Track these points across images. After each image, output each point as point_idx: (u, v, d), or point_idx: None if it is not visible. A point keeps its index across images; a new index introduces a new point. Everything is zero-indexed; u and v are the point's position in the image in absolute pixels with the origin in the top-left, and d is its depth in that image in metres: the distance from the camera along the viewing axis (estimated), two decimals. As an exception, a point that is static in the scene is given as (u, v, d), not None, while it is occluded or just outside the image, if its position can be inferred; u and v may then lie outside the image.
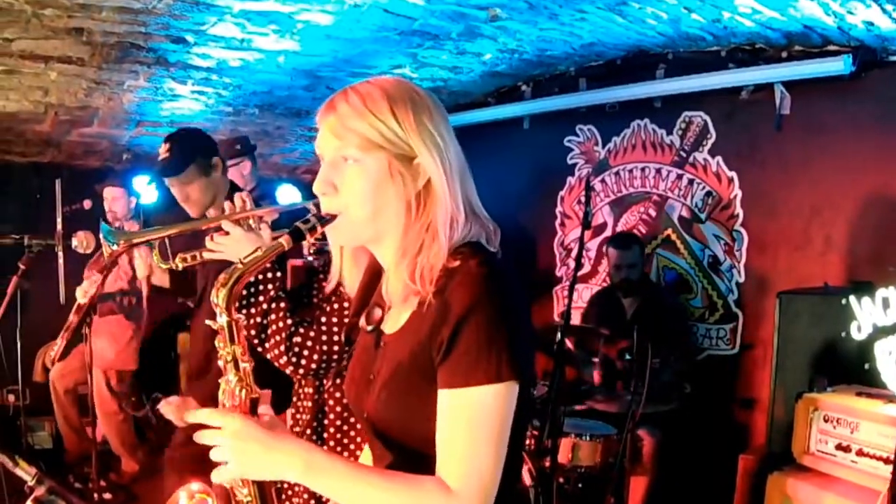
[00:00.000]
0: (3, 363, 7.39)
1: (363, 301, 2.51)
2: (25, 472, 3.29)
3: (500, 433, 2.02)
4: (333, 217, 2.21)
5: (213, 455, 2.04)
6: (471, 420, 2.00)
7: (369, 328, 2.41)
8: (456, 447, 2.01)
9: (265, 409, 2.18)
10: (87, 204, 8.00)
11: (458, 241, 2.15)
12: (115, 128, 8.48)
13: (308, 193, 2.48)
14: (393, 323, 2.30)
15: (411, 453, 2.16)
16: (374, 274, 2.48)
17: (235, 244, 3.59)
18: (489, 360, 1.98)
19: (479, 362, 1.99)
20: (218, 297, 2.14)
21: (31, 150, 8.81)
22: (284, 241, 2.21)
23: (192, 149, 4.89)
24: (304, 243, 2.60)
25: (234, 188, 4.99)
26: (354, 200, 2.18)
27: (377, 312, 2.41)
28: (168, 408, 4.77)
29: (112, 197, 8.27)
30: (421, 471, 2.05)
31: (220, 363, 2.18)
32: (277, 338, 3.44)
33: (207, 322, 2.21)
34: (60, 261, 7.20)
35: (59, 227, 6.80)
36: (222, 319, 2.16)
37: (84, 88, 7.27)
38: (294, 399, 3.88)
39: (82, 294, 6.48)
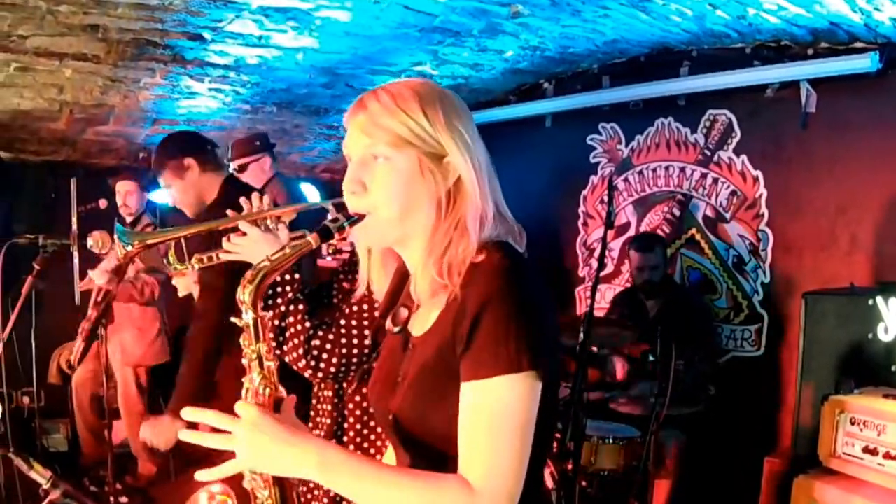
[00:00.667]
0: (17, 365, 7.40)
1: (391, 304, 2.50)
2: (40, 475, 3.33)
3: (522, 428, 2.01)
4: (362, 217, 2.21)
5: (225, 443, 2.05)
6: (492, 414, 1.99)
7: (396, 329, 2.40)
8: (477, 443, 2.00)
9: (286, 408, 2.16)
10: (103, 203, 8.00)
11: (485, 238, 2.16)
12: (131, 126, 8.51)
13: (326, 192, 2.50)
14: (421, 324, 2.30)
15: (436, 455, 2.15)
16: (402, 277, 2.47)
17: (253, 245, 3.58)
18: (507, 351, 1.97)
19: (498, 354, 1.98)
20: (244, 294, 2.16)
21: (46, 149, 8.82)
22: (312, 239, 2.21)
23: (163, 155, 5.07)
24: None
25: (248, 189, 5.02)
26: (384, 199, 2.18)
27: (403, 313, 2.40)
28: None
29: (126, 191, 8.25)
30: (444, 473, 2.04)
31: (245, 361, 2.19)
32: (296, 340, 3.42)
33: (232, 319, 2.22)
34: (76, 261, 7.20)
35: (74, 226, 6.80)
36: (248, 317, 2.18)
37: (99, 86, 7.30)
38: (314, 402, 3.87)
39: (100, 276, 6.55)
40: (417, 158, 2.17)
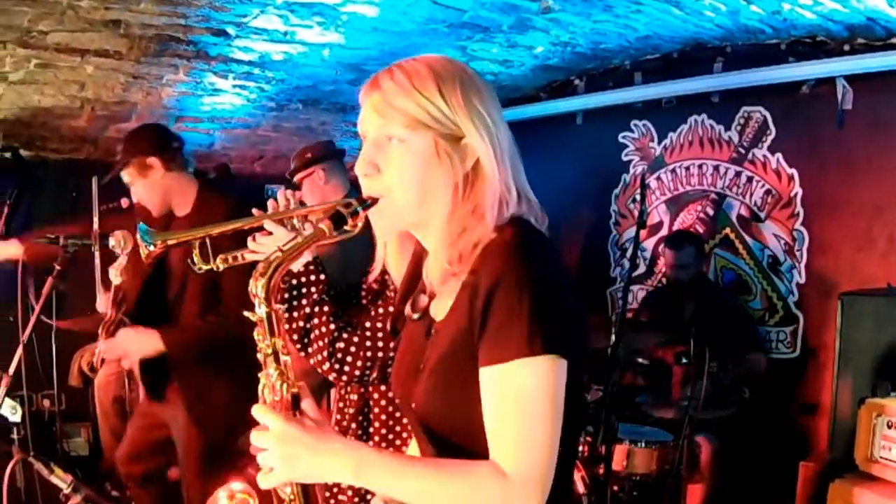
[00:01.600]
0: (38, 367, 7.42)
1: (409, 289, 2.50)
2: (61, 479, 3.40)
3: (548, 411, 1.99)
4: (375, 200, 2.21)
5: (260, 459, 2.05)
6: (515, 400, 1.98)
7: (416, 316, 2.41)
8: (505, 429, 2.00)
9: (307, 404, 2.16)
10: (125, 202, 8.01)
11: (505, 218, 2.15)
12: (154, 123, 8.54)
13: (355, 191, 2.49)
14: (441, 309, 2.29)
15: (459, 445, 2.16)
16: (419, 261, 2.45)
17: (279, 245, 3.60)
18: (520, 333, 1.96)
19: (511, 336, 1.97)
20: (257, 287, 2.14)
21: (67, 147, 8.81)
22: (325, 226, 2.20)
23: (128, 153, 5.22)
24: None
25: (221, 196, 5.10)
26: (399, 182, 2.18)
27: (423, 299, 2.41)
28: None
29: None
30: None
31: (260, 356, 2.19)
32: (320, 343, 3.45)
33: (246, 313, 2.22)
34: (97, 261, 7.24)
35: (95, 226, 6.85)
36: (261, 310, 2.16)
37: (121, 83, 7.33)
38: (340, 405, 3.91)
39: (116, 274, 6.58)
40: (433, 140, 2.15)
